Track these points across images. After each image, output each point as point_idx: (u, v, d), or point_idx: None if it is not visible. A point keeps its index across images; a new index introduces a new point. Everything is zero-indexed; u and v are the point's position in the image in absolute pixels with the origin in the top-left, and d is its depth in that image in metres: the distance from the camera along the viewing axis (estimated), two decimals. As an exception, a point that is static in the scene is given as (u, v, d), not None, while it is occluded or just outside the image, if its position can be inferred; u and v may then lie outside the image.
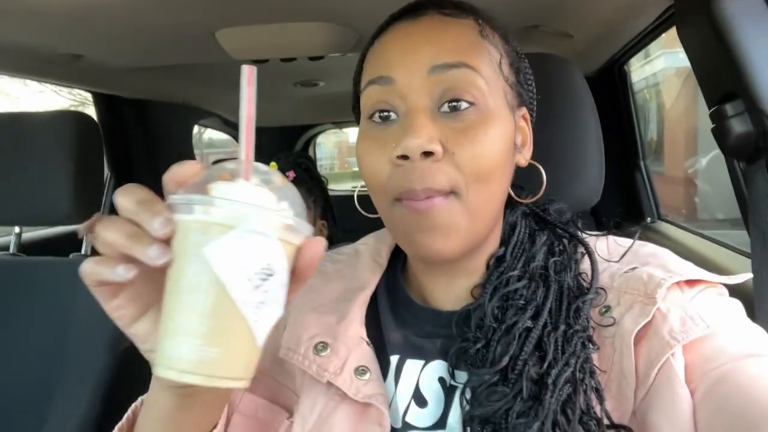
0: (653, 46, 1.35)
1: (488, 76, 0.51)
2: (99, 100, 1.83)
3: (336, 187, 3.77)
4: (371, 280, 0.59)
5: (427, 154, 0.47)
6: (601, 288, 0.50)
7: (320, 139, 3.36)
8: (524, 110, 0.57)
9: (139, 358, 1.01)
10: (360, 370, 0.52)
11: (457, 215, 0.48)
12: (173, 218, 0.34)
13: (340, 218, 1.31)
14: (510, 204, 0.57)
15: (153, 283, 0.37)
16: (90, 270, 0.36)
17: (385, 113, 0.51)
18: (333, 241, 1.18)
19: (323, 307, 0.57)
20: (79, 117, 1.10)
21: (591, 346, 0.47)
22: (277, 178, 0.37)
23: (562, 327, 0.47)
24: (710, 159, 2.39)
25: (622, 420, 0.45)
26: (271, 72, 1.89)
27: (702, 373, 0.43)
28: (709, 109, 0.77)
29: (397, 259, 0.62)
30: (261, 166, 0.37)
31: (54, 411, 0.90)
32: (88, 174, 1.10)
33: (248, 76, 0.36)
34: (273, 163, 1.13)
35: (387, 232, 0.63)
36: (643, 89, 1.65)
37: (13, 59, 1.25)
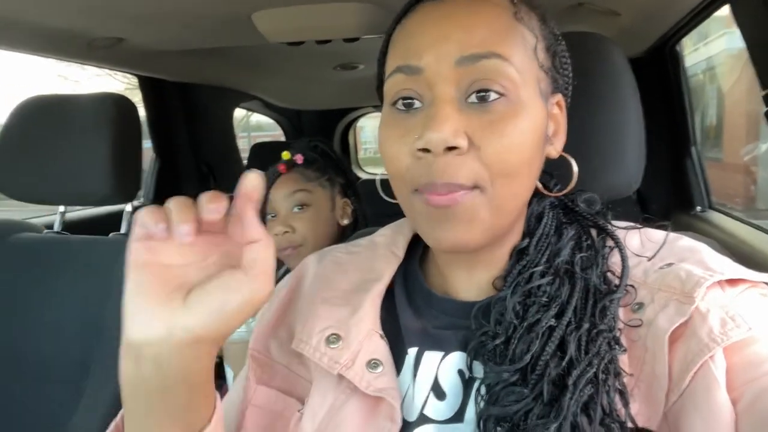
0: (713, 26, 1.27)
1: (521, 64, 0.47)
2: (144, 82, 1.88)
3: (378, 171, 3.77)
4: (387, 271, 0.57)
5: (451, 148, 0.45)
6: (631, 285, 0.47)
7: (363, 122, 3.35)
8: (558, 97, 0.53)
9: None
10: (372, 363, 0.50)
11: (480, 209, 0.46)
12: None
13: (377, 203, 1.30)
14: (537, 193, 0.54)
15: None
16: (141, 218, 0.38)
17: (409, 101, 0.49)
18: (358, 219, 1.18)
19: (336, 298, 0.56)
20: (119, 99, 1.13)
21: (617, 347, 0.44)
22: None
23: (586, 325, 0.44)
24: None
25: (651, 423, 0.42)
26: (311, 55, 1.88)
27: (745, 381, 0.40)
28: (762, 90, 0.71)
29: (415, 250, 0.60)
30: None
31: (90, 385, 0.93)
32: (128, 155, 1.13)
33: None
34: (285, 153, 1.13)
35: (405, 223, 0.62)
36: (701, 71, 1.56)
37: (56, 43, 1.28)
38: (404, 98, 0.49)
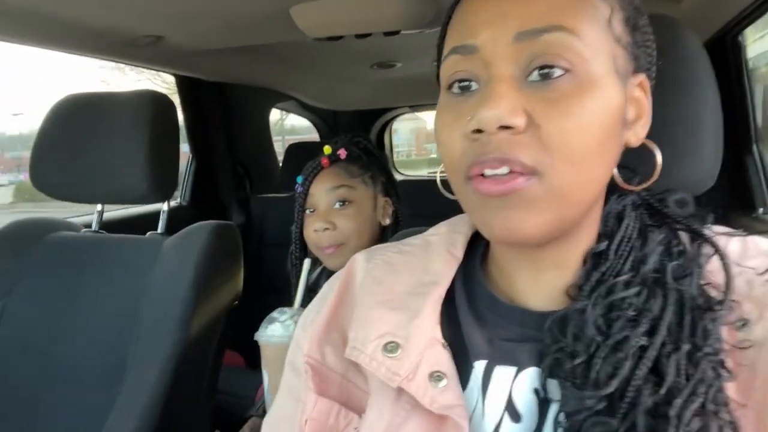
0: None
1: (591, 37, 0.42)
2: (181, 82, 1.88)
3: (411, 173, 3.72)
4: (446, 273, 0.52)
5: (507, 128, 0.41)
6: (733, 300, 0.41)
7: (396, 125, 3.32)
8: (641, 77, 0.47)
9: (208, 340, 1.00)
10: (435, 376, 0.45)
11: (538, 197, 0.41)
12: None
13: (413, 203, 1.26)
14: (616, 189, 0.48)
15: None
16: None
17: (465, 83, 0.45)
18: (399, 218, 1.14)
19: (392, 302, 0.50)
20: (157, 96, 1.11)
21: (724, 372, 0.38)
22: None
23: (686, 347, 0.39)
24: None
25: None
26: (348, 53, 1.85)
27: None
28: None
29: (476, 250, 0.54)
30: None
31: (124, 391, 0.91)
32: (165, 154, 1.11)
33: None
34: (327, 147, 1.09)
35: (462, 220, 0.56)
36: (765, 64, 1.46)
37: (99, 41, 1.28)
38: (459, 81, 0.45)
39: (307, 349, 0.54)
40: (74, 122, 1.13)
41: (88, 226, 1.23)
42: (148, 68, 1.62)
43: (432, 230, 0.59)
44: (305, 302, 1.04)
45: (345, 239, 1.05)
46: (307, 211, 1.10)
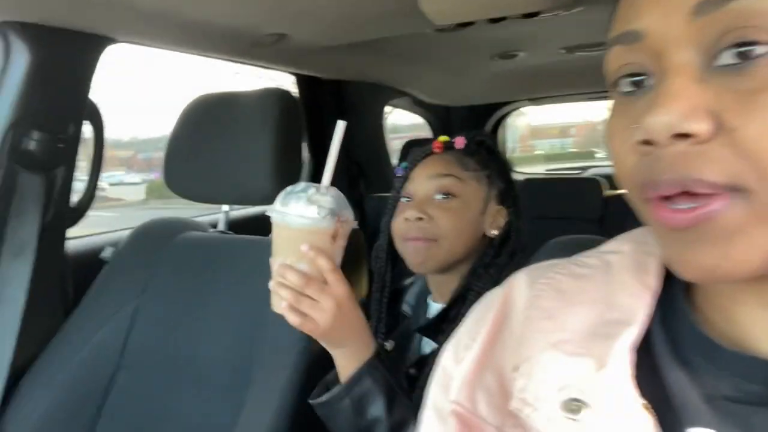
0: None
1: None
2: (300, 81, 1.88)
3: (526, 170, 3.55)
4: (639, 310, 0.40)
5: (684, 136, 0.31)
6: None
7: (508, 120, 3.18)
8: None
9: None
10: None
11: (744, 223, 0.31)
12: None
13: (529, 203, 1.12)
14: None
15: None
16: None
17: (636, 78, 0.36)
18: (511, 234, 0.93)
19: (569, 344, 0.40)
20: (282, 94, 1.08)
21: None
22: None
23: None
24: None
25: None
26: (468, 44, 1.76)
27: None
28: None
29: (675, 276, 0.41)
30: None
31: (252, 395, 0.89)
32: (290, 153, 1.08)
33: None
34: (444, 137, 0.97)
35: (652, 235, 0.45)
36: None
37: (221, 41, 1.28)
38: (627, 76, 0.36)
39: (455, 393, 0.45)
40: (203, 123, 1.14)
41: (214, 225, 1.23)
42: (268, 69, 1.63)
43: (610, 246, 0.47)
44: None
45: (438, 236, 0.88)
46: (403, 200, 0.94)
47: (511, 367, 0.42)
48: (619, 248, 0.46)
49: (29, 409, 1.01)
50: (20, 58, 1.01)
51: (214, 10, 1.10)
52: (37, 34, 1.00)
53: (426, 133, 2.78)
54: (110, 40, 1.13)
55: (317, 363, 0.91)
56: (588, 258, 0.47)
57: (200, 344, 1.01)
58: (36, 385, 1.03)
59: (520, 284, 0.47)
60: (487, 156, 0.96)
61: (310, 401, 0.78)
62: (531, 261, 0.85)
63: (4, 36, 1.00)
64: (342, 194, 0.70)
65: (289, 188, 0.69)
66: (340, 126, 0.71)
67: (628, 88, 0.36)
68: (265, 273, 1.01)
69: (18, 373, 1.04)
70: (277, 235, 0.69)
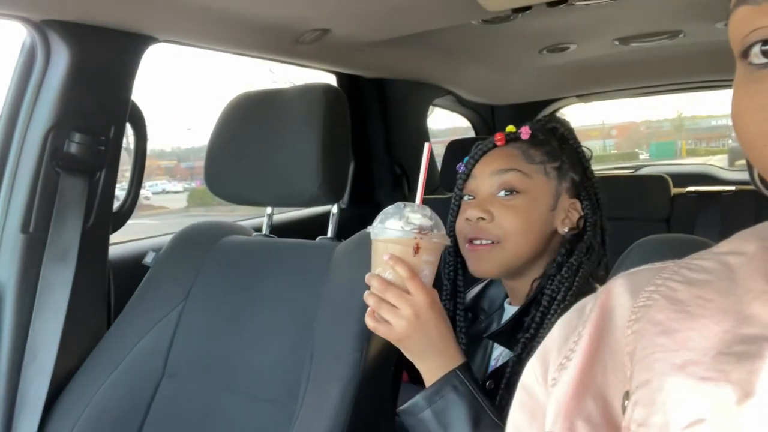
0: None
1: None
2: (342, 81, 1.83)
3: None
4: None
5: None
6: None
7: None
8: None
9: (388, 358, 0.88)
10: None
11: None
12: None
13: None
14: None
15: None
16: None
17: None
18: (586, 230, 0.84)
19: (698, 365, 0.32)
20: (329, 89, 1.03)
21: None
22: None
23: None
24: None
25: None
26: (516, 37, 1.68)
27: None
28: None
29: None
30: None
31: (305, 406, 0.83)
32: (337, 152, 1.02)
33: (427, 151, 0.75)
34: (510, 127, 0.89)
35: None
36: None
37: (264, 38, 1.24)
38: (756, 44, 0.30)
39: (551, 423, 0.37)
40: (245, 122, 1.10)
41: (257, 229, 1.19)
42: (310, 67, 1.58)
43: (728, 246, 0.39)
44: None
45: (501, 237, 0.82)
46: (466, 198, 0.88)
47: (620, 392, 0.35)
48: (740, 248, 0.38)
49: (72, 417, 0.98)
50: (60, 58, 0.98)
51: (258, 4, 1.06)
52: (77, 34, 0.98)
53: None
54: (152, 39, 1.10)
55: (370, 376, 0.85)
56: (703, 260, 0.39)
57: (248, 352, 0.96)
58: (78, 394, 1.00)
59: (619, 291, 0.40)
60: (558, 145, 0.87)
61: (398, 410, 0.77)
62: (618, 264, 0.77)
63: (44, 36, 0.98)
64: (434, 213, 0.74)
65: (389, 208, 0.75)
66: (426, 147, 0.77)
67: (761, 60, 0.29)
68: (311, 279, 0.97)
69: (61, 381, 1.01)
70: (372, 249, 0.76)
